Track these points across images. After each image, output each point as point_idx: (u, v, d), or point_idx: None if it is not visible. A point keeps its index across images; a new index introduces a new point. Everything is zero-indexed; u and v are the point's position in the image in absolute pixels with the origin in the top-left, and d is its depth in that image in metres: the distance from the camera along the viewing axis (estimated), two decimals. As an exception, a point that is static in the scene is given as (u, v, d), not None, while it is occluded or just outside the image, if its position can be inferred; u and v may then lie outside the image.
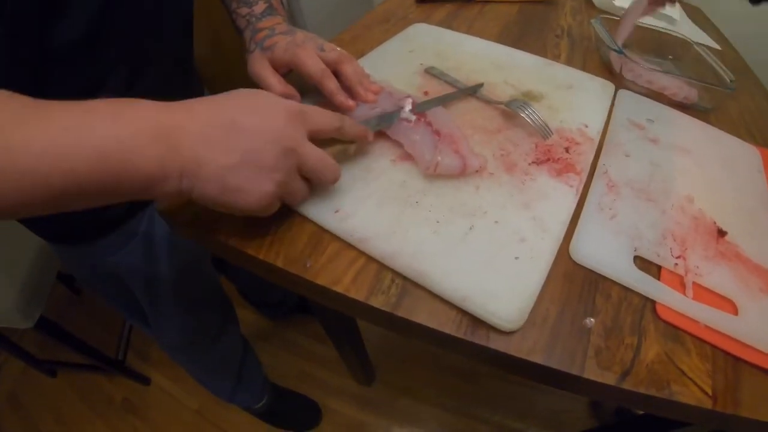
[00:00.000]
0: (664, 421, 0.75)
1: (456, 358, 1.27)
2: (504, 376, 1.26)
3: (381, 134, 0.48)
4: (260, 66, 0.48)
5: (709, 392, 0.34)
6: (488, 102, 0.55)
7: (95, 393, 1.25)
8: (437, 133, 0.46)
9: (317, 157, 0.36)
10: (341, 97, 0.47)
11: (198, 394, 1.20)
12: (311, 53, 0.48)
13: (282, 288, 1.19)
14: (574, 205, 0.45)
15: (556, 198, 0.45)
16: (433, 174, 0.44)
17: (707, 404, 0.33)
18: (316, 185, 0.40)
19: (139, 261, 0.62)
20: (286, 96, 0.47)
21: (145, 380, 1.25)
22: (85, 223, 0.56)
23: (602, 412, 1.16)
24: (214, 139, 0.31)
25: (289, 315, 1.34)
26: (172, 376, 1.26)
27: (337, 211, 0.41)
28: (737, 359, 0.36)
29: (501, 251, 0.39)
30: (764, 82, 0.76)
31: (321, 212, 0.41)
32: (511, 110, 0.51)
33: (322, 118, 0.37)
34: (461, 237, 0.40)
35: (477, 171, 0.45)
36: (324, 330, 0.94)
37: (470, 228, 0.40)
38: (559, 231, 0.42)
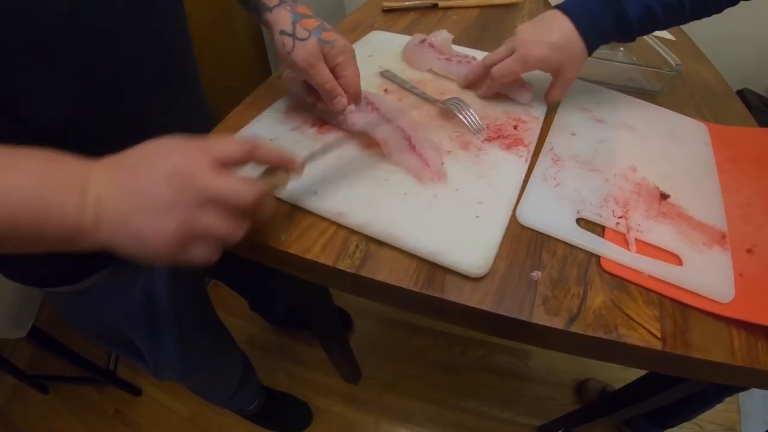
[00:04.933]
0: (641, 392, 0.78)
1: (440, 352, 1.32)
2: (488, 367, 1.30)
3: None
4: (315, 58, 0.48)
5: (658, 335, 0.37)
6: (428, 100, 0.60)
7: (87, 406, 1.26)
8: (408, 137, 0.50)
9: (222, 184, 0.31)
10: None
11: (189, 401, 1.21)
12: (357, 69, 0.51)
13: (286, 302, 1.18)
14: (524, 171, 0.50)
15: (508, 166, 0.50)
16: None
17: (656, 345, 0.37)
18: (254, 218, 0.35)
19: (139, 313, 0.63)
20: (334, 94, 0.49)
21: (136, 390, 1.26)
22: (71, 265, 0.54)
23: (586, 395, 1.19)
24: (120, 188, 0.30)
25: (293, 328, 1.36)
26: (162, 385, 1.27)
27: (316, 194, 0.46)
28: (685, 305, 0.40)
29: (463, 212, 0.44)
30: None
31: (302, 196, 0.46)
32: (446, 107, 0.56)
33: (227, 144, 0.33)
34: (426, 204, 0.45)
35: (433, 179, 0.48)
36: (311, 328, 0.97)
37: (434, 197, 0.46)
38: (513, 192, 0.47)
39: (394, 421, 1.20)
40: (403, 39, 0.73)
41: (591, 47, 0.53)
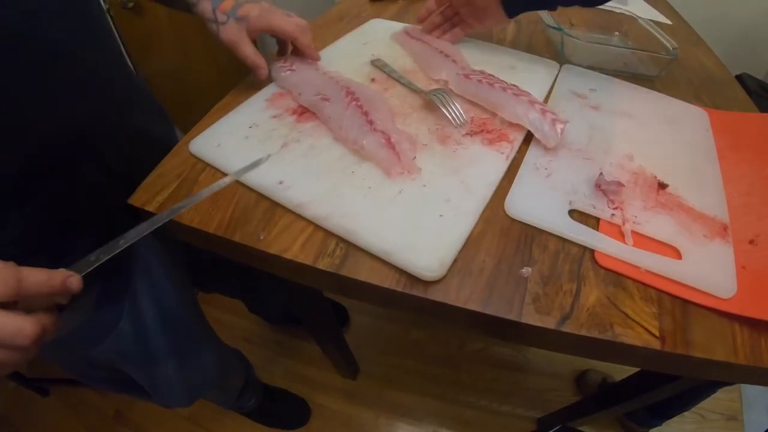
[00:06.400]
0: (641, 385, 0.77)
1: (438, 346, 1.30)
2: (487, 360, 1.29)
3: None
4: (238, 36, 0.53)
5: (657, 333, 0.35)
6: (414, 90, 0.57)
7: (87, 408, 1.25)
8: (370, 121, 0.48)
9: None
10: (313, 51, 0.59)
11: (188, 401, 1.20)
12: (283, 16, 0.55)
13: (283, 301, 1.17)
14: (504, 169, 0.47)
15: (486, 163, 0.47)
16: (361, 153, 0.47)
17: (655, 345, 0.35)
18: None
19: (129, 344, 0.60)
20: (257, 66, 0.55)
21: (136, 391, 1.26)
22: None
23: (586, 386, 1.18)
24: None
25: (292, 326, 1.35)
26: (161, 386, 1.27)
27: (280, 182, 0.44)
28: (685, 301, 0.38)
29: (426, 210, 0.42)
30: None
31: (266, 184, 0.45)
32: (429, 98, 0.54)
33: None
34: (390, 199, 0.43)
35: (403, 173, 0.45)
36: (305, 325, 0.96)
37: (399, 192, 0.43)
38: (486, 191, 0.45)
39: (393, 416, 1.19)
40: (403, 27, 0.71)
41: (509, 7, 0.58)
